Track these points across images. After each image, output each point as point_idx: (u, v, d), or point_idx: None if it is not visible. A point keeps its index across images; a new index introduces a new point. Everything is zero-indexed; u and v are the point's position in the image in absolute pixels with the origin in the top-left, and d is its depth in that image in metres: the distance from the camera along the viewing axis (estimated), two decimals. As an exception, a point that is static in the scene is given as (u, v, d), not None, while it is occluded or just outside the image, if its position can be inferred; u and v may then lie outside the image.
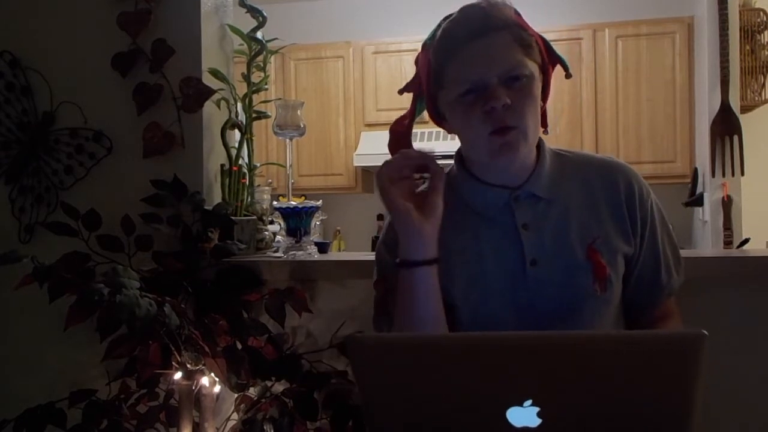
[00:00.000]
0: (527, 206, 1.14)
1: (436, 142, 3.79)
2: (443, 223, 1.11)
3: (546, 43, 1.13)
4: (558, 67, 1.16)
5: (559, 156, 1.20)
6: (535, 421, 0.79)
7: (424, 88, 1.16)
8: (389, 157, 1.13)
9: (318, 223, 2.23)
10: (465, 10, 1.08)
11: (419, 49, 1.19)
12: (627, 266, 1.15)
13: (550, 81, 1.14)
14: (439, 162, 1.15)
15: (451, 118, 1.14)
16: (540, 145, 1.17)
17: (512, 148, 1.08)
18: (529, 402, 0.79)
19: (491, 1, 1.09)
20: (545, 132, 1.17)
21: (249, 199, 1.84)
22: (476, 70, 1.05)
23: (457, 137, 1.17)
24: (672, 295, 1.21)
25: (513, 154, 1.09)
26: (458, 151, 1.22)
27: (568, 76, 1.16)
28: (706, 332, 0.77)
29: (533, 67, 1.08)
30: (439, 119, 1.18)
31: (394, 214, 1.10)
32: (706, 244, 3.74)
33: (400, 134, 1.22)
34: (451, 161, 1.24)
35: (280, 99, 2.17)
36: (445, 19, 1.14)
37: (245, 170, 1.84)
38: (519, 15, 1.11)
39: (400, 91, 1.23)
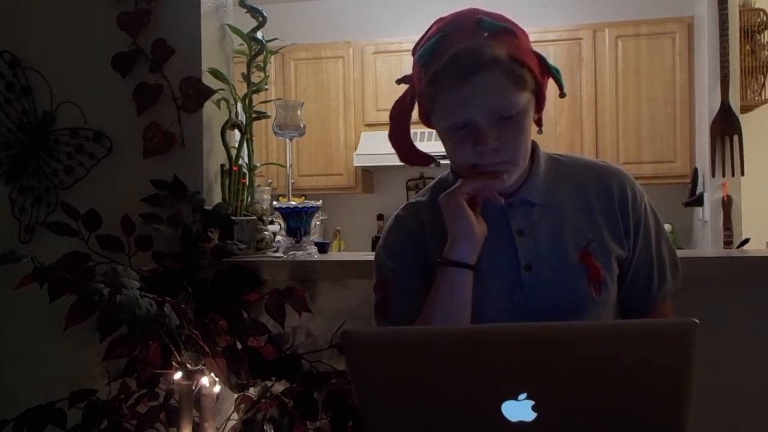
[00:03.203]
0: (522, 212, 1.14)
1: (435, 142, 3.79)
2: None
3: (541, 61, 1.10)
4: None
5: (553, 161, 1.20)
6: (531, 415, 0.79)
7: (419, 101, 1.15)
8: (390, 154, 1.22)
9: (318, 223, 2.23)
10: (455, 54, 1.03)
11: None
12: (620, 269, 1.16)
13: (545, 94, 1.13)
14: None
15: (441, 140, 1.14)
16: (534, 150, 1.17)
17: (500, 182, 1.09)
18: (523, 395, 0.79)
19: (482, 40, 1.04)
20: (539, 131, 1.17)
21: (249, 199, 1.84)
22: (464, 111, 1.05)
23: None
24: (666, 299, 1.20)
25: (500, 186, 1.10)
26: None
27: (562, 95, 1.15)
28: (697, 321, 0.77)
29: (525, 99, 1.06)
30: (429, 124, 1.18)
31: (457, 213, 1.10)
32: (706, 244, 3.73)
33: (401, 126, 1.22)
34: (446, 161, 1.24)
35: (280, 99, 2.17)
36: (435, 23, 1.12)
37: (245, 170, 1.84)
38: (514, 34, 1.07)
39: (398, 81, 1.21)
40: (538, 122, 1.16)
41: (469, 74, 1.02)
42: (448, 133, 1.10)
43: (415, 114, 1.21)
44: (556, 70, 1.13)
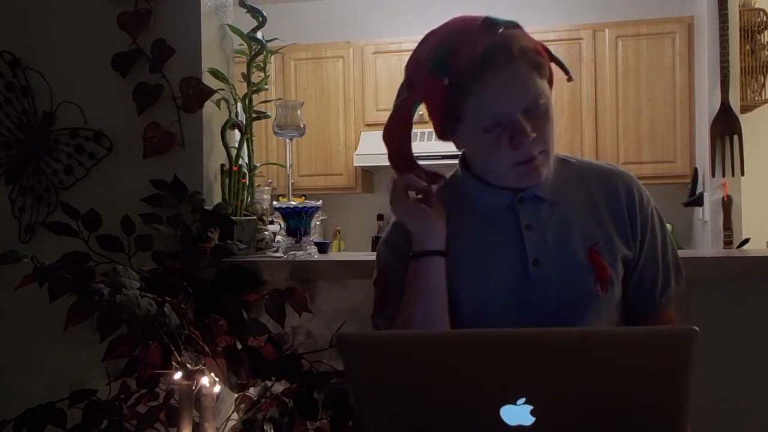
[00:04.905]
0: (531, 208, 1.15)
1: (435, 142, 3.79)
2: (447, 225, 1.16)
3: (546, 50, 1.14)
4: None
5: (563, 161, 1.22)
6: (529, 420, 0.79)
7: (435, 116, 1.16)
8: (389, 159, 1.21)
9: (318, 223, 2.23)
10: (486, 51, 1.05)
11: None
12: (626, 271, 1.16)
13: (553, 83, 1.15)
14: (436, 162, 1.20)
15: (471, 148, 1.17)
16: None
17: (538, 173, 1.12)
18: (522, 400, 0.79)
19: (507, 33, 1.08)
20: None
21: (249, 199, 1.84)
22: (501, 104, 1.06)
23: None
24: (670, 303, 1.21)
25: (538, 177, 1.13)
26: (463, 155, 1.24)
27: (569, 79, 1.18)
28: (697, 329, 0.77)
29: (546, 87, 1.10)
30: (445, 138, 1.19)
31: (405, 209, 1.16)
32: (706, 244, 3.73)
33: (400, 150, 1.21)
34: (447, 161, 1.25)
35: (280, 99, 2.17)
36: (428, 37, 1.13)
37: (245, 170, 1.84)
38: (520, 27, 1.11)
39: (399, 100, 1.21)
40: None
41: (500, 66, 1.05)
42: (481, 137, 1.10)
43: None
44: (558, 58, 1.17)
